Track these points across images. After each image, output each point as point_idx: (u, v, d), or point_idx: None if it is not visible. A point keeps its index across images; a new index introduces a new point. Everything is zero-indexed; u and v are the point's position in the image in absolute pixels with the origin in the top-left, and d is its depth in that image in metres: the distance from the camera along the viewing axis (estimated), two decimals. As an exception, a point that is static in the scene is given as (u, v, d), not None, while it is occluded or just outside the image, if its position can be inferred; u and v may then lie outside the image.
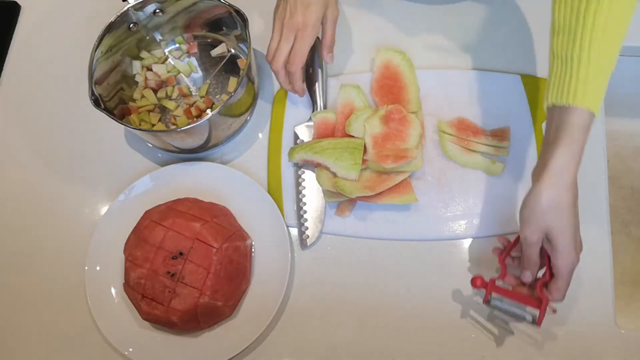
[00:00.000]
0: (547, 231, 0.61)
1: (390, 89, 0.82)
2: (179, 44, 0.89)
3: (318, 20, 0.73)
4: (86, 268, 0.77)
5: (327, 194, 0.78)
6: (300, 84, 0.78)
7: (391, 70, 0.83)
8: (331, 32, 0.76)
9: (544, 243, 0.63)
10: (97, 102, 0.75)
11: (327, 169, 0.77)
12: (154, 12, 0.83)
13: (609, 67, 0.59)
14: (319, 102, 0.82)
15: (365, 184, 0.76)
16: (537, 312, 0.66)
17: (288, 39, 0.73)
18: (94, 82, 0.77)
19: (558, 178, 0.59)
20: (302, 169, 0.80)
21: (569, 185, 0.60)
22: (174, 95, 0.87)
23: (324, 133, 0.81)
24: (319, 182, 0.77)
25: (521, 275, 0.66)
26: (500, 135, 0.80)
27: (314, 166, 0.80)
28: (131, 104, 0.85)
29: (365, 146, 0.78)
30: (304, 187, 0.79)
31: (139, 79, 0.87)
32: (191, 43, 0.89)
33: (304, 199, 0.78)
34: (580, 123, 0.59)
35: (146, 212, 0.77)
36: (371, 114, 0.79)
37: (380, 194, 0.76)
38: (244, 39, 0.84)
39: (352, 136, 0.79)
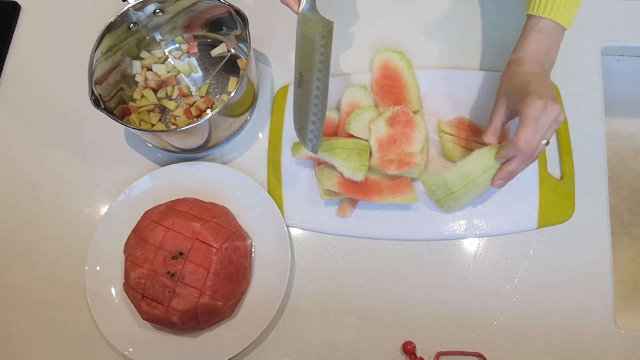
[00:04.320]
0: (507, 93, 0.70)
1: (391, 89, 0.82)
2: (179, 44, 0.89)
3: None
4: (86, 268, 0.77)
5: (327, 193, 0.78)
6: None
7: (390, 70, 0.83)
8: None
9: (514, 110, 0.69)
10: (97, 102, 0.75)
11: (333, 167, 0.77)
12: (154, 12, 0.83)
13: None
14: None
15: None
16: None
17: None
18: (94, 82, 0.77)
19: (512, 64, 0.71)
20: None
21: (524, 65, 0.69)
22: (174, 95, 0.87)
23: (325, 132, 0.81)
24: (319, 181, 0.77)
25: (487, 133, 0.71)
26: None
27: (315, 164, 0.80)
28: (131, 104, 0.85)
29: (370, 148, 0.78)
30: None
31: (139, 79, 0.87)
32: (191, 43, 0.89)
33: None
34: (535, 27, 0.70)
35: (146, 212, 0.77)
36: (376, 115, 0.79)
37: (381, 193, 0.76)
38: (244, 39, 0.84)
39: (352, 135, 0.79)
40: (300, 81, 0.71)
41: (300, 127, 0.70)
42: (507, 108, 0.70)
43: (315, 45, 0.72)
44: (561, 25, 0.70)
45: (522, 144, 0.65)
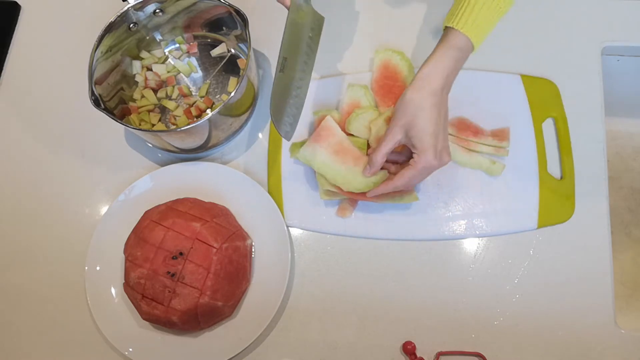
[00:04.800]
0: (408, 128, 0.67)
1: (391, 89, 0.82)
2: (179, 44, 0.89)
3: None
4: (86, 268, 0.77)
5: (327, 193, 0.78)
6: None
7: (390, 70, 0.83)
8: None
9: (408, 144, 0.69)
10: (97, 102, 0.75)
11: None
12: (154, 12, 0.83)
13: (499, 9, 0.67)
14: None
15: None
16: None
17: None
18: (94, 82, 0.77)
19: (424, 82, 0.66)
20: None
21: (433, 91, 0.66)
22: (174, 95, 0.87)
23: None
24: (319, 182, 0.77)
25: (369, 162, 0.72)
26: (500, 135, 0.80)
27: None
28: (131, 104, 0.85)
29: (369, 147, 0.78)
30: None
31: (139, 79, 0.87)
32: (191, 43, 0.89)
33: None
34: (456, 44, 0.67)
35: (146, 212, 0.77)
36: (376, 115, 0.79)
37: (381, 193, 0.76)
38: (244, 39, 0.84)
39: (353, 135, 0.79)
40: (283, 66, 0.69)
41: (276, 111, 0.69)
42: (400, 140, 0.69)
43: (303, 35, 0.72)
44: (472, 45, 0.68)
45: (402, 184, 0.69)
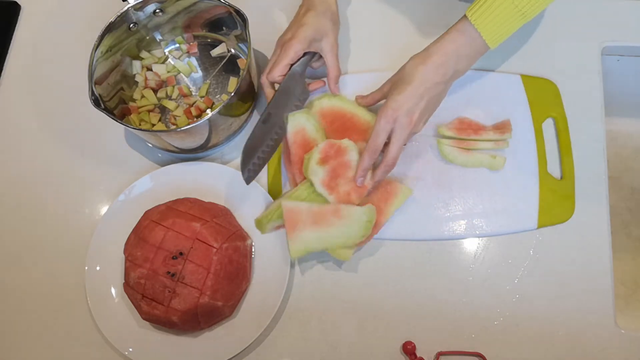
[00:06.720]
0: (392, 86, 0.73)
1: (337, 128, 0.80)
2: (179, 44, 0.90)
3: (305, 39, 0.75)
4: (86, 268, 0.77)
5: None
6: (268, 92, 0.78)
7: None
8: (333, 63, 0.78)
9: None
10: (97, 102, 0.75)
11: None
12: (154, 12, 0.83)
13: (523, 14, 0.67)
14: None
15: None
16: None
17: (275, 52, 0.78)
18: (94, 82, 0.77)
19: (423, 56, 0.70)
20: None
21: (426, 67, 0.69)
22: (174, 95, 0.87)
23: (303, 146, 0.77)
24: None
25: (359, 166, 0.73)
26: (502, 127, 0.80)
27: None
28: (131, 104, 0.85)
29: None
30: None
31: (139, 79, 0.87)
32: (191, 43, 0.89)
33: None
34: (465, 31, 0.69)
35: (146, 212, 0.77)
36: (307, 160, 0.75)
37: (380, 208, 0.75)
38: (244, 39, 0.84)
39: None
40: (267, 119, 0.75)
41: (246, 155, 0.74)
42: (386, 93, 0.75)
43: (290, 102, 0.77)
44: (484, 41, 0.69)
45: (373, 146, 0.71)
